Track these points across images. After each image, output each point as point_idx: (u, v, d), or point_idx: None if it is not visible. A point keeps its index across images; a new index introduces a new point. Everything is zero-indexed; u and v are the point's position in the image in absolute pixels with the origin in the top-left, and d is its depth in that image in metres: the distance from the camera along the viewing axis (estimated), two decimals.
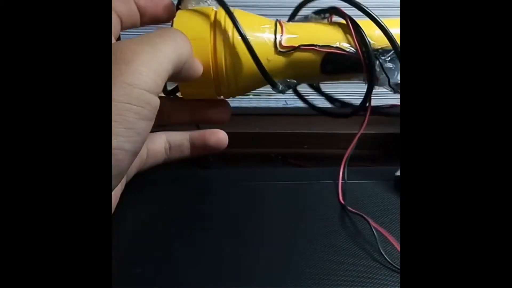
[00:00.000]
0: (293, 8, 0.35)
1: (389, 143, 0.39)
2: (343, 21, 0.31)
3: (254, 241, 0.27)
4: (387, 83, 0.30)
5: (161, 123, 0.30)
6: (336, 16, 0.32)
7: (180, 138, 0.31)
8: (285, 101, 0.45)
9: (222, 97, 0.32)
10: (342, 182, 0.31)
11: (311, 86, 0.37)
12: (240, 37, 0.28)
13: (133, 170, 0.30)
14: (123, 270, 0.24)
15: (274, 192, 0.31)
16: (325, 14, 0.33)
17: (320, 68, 0.31)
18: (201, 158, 0.34)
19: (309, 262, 0.25)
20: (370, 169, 0.35)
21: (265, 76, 0.29)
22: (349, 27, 0.30)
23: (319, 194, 0.31)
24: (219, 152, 0.32)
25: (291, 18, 0.35)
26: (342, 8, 0.31)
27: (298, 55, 0.30)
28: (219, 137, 0.31)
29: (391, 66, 0.30)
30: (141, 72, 0.22)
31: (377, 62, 0.30)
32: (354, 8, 0.30)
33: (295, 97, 0.45)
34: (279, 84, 0.30)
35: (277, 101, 0.45)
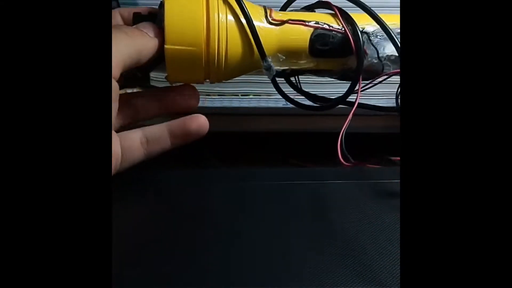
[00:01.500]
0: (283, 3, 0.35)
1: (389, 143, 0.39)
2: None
3: (254, 241, 0.27)
4: (375, 55, 0.31)
5: (135, 120, 0.31)
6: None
7: (158, 130, 0.31)
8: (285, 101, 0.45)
9: (208, 81, 0.32)
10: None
11: (292, 85, 0.37)
12: (232, 18, 0.29)
13: None
14: (123, 270, 0.24)
15: (274, 192, 0.31)
16: (313, 8, 0.34)
17: (309, 47, 0.31)
18: (200, 157, 0.34)
19: (309, 262, 0.25)
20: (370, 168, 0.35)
21: (257, 43, 0.29)
22: (336, 12, 0.32)
23: (319, 194, 0.31)
24: (200, 136, 0.31)
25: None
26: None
27: (287, 28, 0.31)
28: (200, 122, 0.31)
29: (377, 40, 0.31)
30: None
31: (365, 37, 0.31)
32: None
33: (295, 97, 0.45)
34: (269, 59, 0.30)
35: (277, 101, 0.45)
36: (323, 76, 0.35)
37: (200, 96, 0.46)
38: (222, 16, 0.29)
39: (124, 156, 0.30)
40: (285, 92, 0.37)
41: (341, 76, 0.34)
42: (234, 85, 0.45)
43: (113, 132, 0.28)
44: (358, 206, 0.29)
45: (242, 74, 0.34)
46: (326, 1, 0.33)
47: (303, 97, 0.37)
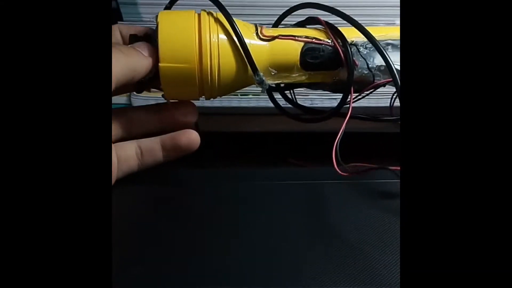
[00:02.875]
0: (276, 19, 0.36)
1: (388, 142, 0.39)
2: None
3: (253, 241, 0.27)
4: (365, 65, 0.32)
5: (132, 134, 0.32)
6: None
7: (151, 143, 0.32)
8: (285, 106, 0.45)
9: (203, 97, 0.32)
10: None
11: (286, 99, 0.38)
12: (223, 36, 0.30)
13: None
14: (123, 270, 0.24)
15: (274, 192, 0.31)
16: (304, 25, 0.35)
17: (300, 61, 0.32)
18: (200, 157, 0.34)
19: (308, 262, 0.25)
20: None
21: (248, 59, 0.30)
22: (325, 26, 0.33)
23: (319, 194, 0.31)
24: (190, 153, 0.32)
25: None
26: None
27: (278, 44, 0.32)
28: (191, 137, 0.32)
29: (366, 52, 0.32)
30: None
31: (354, 48, 0.32)
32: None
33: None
34: (261, 74, 0.31)
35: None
36: (316, 89, 0.36)
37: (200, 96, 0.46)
38: (213, 35, 0.30)
39: (119, 166, 0.31)
40: (282, 105, 0.38)
41: (334, 89, 0.35)
42: None
43: None
44: (358, 206, 0.29)
45: (236, 90, 0.34)
46: (315, 17, 0.34)
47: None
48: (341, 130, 0.31)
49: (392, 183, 0.32)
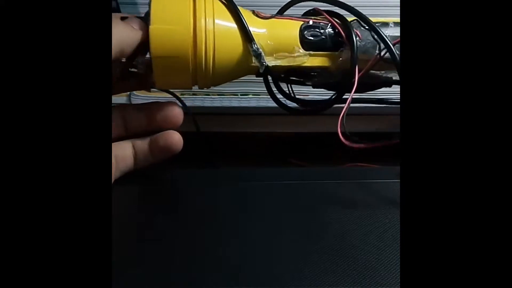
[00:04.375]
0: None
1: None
2: None
3: (253, 241, 0.27)
4: (369, 36, 0.31)
5: (127, 133, 0.31)
6: None
7: (142, 143, 0.31)
8: (285, 100, 0.45)
9: (197, 87, 0.31)
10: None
11: (283, 93, 0.36)
12: (220, 19, 0.29)
13: None
14: (123, 270, 0.24)
15: (274, 192, 0.31)
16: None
17: (300, 38, 0.31)
18: (201, 157, 0.34)
19: (308, 262, 0.25)
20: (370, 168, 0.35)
21: (244, 30, 0.29)
22: (324, 14, 0.32)
23: (319, 194, 0.31)
24: (175, 154, 0.31)
25: None
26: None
27: (276, 22, 0.31)
28: (170, 140, 0.31)
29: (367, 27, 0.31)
30: None
31: (355, 22, 0.31)
32: None
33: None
34: (257, 45, 0.30)
35: None
36: (319, 84, 0.35)
37: (200, 96, 0.46)
38: (208, 17, 0.29)
39: (116, 165, 0.30)
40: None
41: (338, 79, 0.33)
42: (233, 85, 0.45)
43: None
44: (358, 206, 0.29)
45: (233, 78, 0.33)
46: (316, 8, 0.33)
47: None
48: (347, 103, 0.31)
49: (392, 183, 0.32)
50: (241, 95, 0.45)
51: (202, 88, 0.32)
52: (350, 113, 0.33)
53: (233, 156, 0.40)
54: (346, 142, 0.29)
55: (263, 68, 0.30)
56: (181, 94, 0.40)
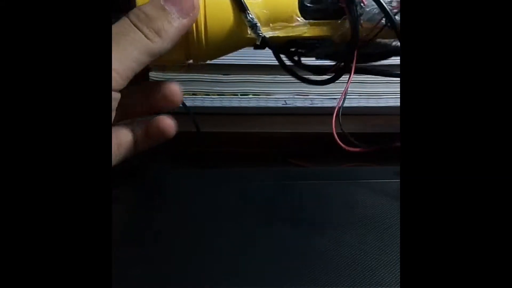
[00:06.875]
0: None
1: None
2: None
3: (253, 241, 0.27)
4: (372, 3, 0.28)
5: (126, 116, 0.30)
6: None
7: (139, 127, 0.30)
8: (285, 100, 0.45)
9: (191, 61, 0.30)
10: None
11: (290, 59, 0.32)
12: None
13: None
14: (123, 270, 0.24)
15: (274, 192, 0.31)
16: None
17: (299, 6, 0.29)
18: (201, 157, 0.34)
19: (308, 262, 0.25)
20: (368, 168, 0.35)
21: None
22: None
23: (319, 194, 0.31)
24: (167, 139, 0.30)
25: None
26: None
27: None
28: (162, 125, 0.30)
29: None
30: None
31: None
32: None
33: (295, 96, 0.45)
34: (252, 15, 0.28)
35: (276, 100, 0.45)
36: (321, 54, 0.31)
37: (200, 96, 0.46)
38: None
39: (117, 151, 0.29)
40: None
41: (341, 48, 0.30)
42: (233, 85, 0.45)
43: None
44: (358, 206, 0.29)
45: (228, 51, 0.31)
46: None
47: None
48: (345, 89, 0.29)
49: (392, 183, 0.32)
50: (241, 95, 0.45)
51: (198, 62, 0.30)
52: (346, 113, 0.33)
53: (233, 156, 0.39)
54: (344, 145, 0.28)
55: (260, 40, 0.28)
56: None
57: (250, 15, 0.27)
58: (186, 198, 0.31)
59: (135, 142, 0.30)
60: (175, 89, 0.31)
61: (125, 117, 0.31)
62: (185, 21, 0.26)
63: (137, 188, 0.31)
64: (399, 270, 0.24)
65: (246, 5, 0.27)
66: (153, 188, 0.32)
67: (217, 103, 0.45)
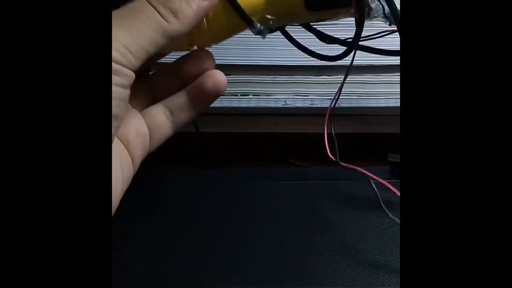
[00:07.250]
0: None
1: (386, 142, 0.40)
2: None
3: (253, 241, 0.27)
4: (381, 11, 0.27)
5: (157, 100, 0.28)
6: None
7: (178, 99, 0.28)
8: (285, 101, 0.45)
9: (196, 47, 0.28)
10: (328, 133, 0.30)
11: (293, 42, 0.31)
12: None
13: (138, 153, 0.27)
14: (123, 270, 0.24)
15: (274, 192, 0.31)
16: None
17: (304, 2, 0.27)
18: (201, 157, 0.34)
19: (308, 262, 0.25)
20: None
21: (237, 10, 0.26)
22: None
23: (319, 194, 0.31)
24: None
25: None
26: None
27: None
28: (216, 79, 0.28)
29: None
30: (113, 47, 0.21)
31: None
32: None
33: (295, 97, 0.45)
34: (256, 22, 0.26)
35: (276, 101, 0.45)
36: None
37: None
38: None
39: (152, 134, 0.28)
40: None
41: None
42: (233, 85, 0.45)
43: (137, 112, 0.27)
44: (358, 206, 0.29)
45: (234, 32, 0.29)
46: None
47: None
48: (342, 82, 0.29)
49: (392, 183, 0.32)
50: (241, 95, 0.46)
51: (203, 48, 0.29)
52: (346, 113, 0.33)
53: (233, 156, 0.39)
54: (337, 160, 0.28)
55: (266, 36, 0.27)
56: None
57: (256, 27, 0.27)
58: (186, 198, 0.31)
59: (172, 119, 0.28)
60: (207, 53, 0.29)
61: (156, 100, 0.29)
62: (205, 3, 0.25)
63: (136, 189, 0.31)
64: (399, 270, 0.24)
65: (250, 18, 0.26)
66: (152, 189, 0.32)
67: (217, 103, 0.45)
